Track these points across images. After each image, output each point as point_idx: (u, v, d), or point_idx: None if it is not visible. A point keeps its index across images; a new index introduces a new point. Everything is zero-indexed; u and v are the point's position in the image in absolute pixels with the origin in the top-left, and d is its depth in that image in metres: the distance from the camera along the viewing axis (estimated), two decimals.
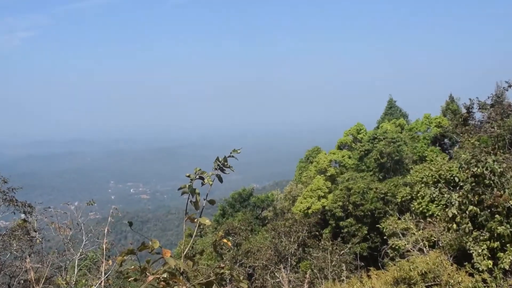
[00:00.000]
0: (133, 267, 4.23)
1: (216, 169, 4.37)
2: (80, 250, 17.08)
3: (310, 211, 45.57)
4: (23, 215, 19.67)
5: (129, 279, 4.15)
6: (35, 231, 19.60)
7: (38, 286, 20.06)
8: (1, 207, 18.15)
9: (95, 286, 17.19)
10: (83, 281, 19.67)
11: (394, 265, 19.84)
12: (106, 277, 17.77)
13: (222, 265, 4.24)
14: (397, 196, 38.24)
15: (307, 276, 16.21)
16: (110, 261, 16.60)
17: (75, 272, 16.35)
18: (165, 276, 3.96)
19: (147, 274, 4.07)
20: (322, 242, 32.05)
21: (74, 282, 16.83)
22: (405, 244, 23.13)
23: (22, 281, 19.43)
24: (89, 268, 21.00)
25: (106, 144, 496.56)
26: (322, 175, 49.20)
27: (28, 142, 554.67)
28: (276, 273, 27.91)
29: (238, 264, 31.52)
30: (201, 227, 33.08)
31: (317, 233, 37.89)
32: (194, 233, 4.61)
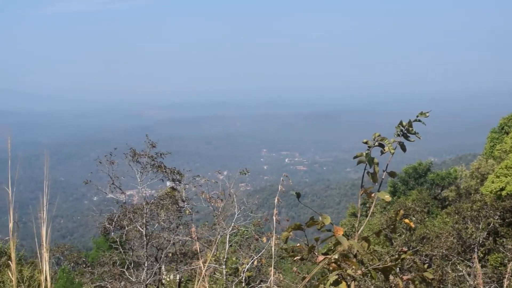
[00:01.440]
0: (298, 244, 4.35)
1: (398, 135, 4.28)
2: (232, 224, 17.93)
3: (504, 192, 43.01)
4: (170, 183, 21.05)
5: (295, 258, 4.28)
6: (183, 201, 20.91)
7: (185, 259, 21.62)
8: (149, 173, 19.52)
9: (247, 265, 18.07)
10: (234, 258, 20.70)
11: None
12: (260, 255, 18.59)
13: (404, 249, 4.19)
14: None
15: (508, 271, 15.38)
16: (264, 238, 17.30)
17: (226, 248, 17.30)
18: (336, 257, 4.03)
19: (315, 253, 4.16)
20: None
21: (224, 259, 17.83)
22: None
23: (170, 254, 20.98)
24: (240, 244, 22.04)
25: (256, 107, 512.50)
26: None
27: (171, 103, 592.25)
28: (458, 266, 26.99)
29: (411, 251, 30.98)
30: (367, 205, 32.89)
31: None
32: (371, 210, 4.60)
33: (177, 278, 13.75)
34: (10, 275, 2.50)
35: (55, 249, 30.36)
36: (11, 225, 2.46)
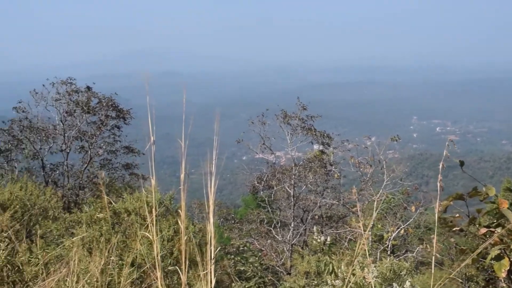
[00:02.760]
0: (457, 215, 4.20)
1: None
2: (380, 191, 17.68)
3: None
4: (318, 146, 21.13)
5: (453, 229, 4.13)
6: (331, 165, 20.95)
7: (329, 223, 21.76)
8: (299, 135, 19.72)
9: (393, 233, 17.82)
10: (379, 225, 20.46)
11: None
12: (407, 225, 18.25)
13: None
14: None
15: None
16: (413, 207, 16.93)
17: (373, 215, 17.09)
18: (499, 230, 3.84)
19: (477, 225, 3.99)
20: None
21: (371, 226, 17.65)
22: None
23: (316, 216, 21.21)
24: (386, 212, 21.76)
25: (409, 73, 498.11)
26: None
27: (325, 68, 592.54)
28: None
29: None
30: None
31: None
32: None
33: (327, 239, 13.83)
34: (179, 223, 2.64)
35: (206, 204, 31.81)
36: (182, 176, 2.59)
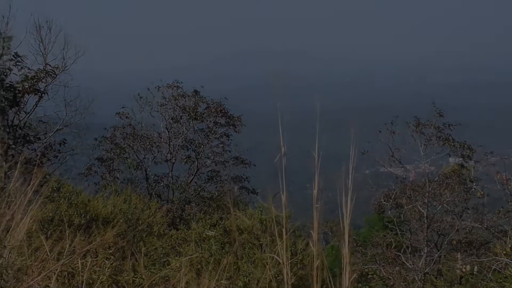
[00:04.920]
0: None
1: None
2: None
3: None
4: (455, 159, 20.43)
5: None
6: (472, 181, 20.17)
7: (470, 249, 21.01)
8: (434, 146, 19.12)
9: None
10: None
11: None
12: None
13: None
14: None
15: None
16: None
17: None
18: None
19: None
20: None
21: None
22: None
23: (453, 241, 20.49)
24: None
25: None
26: None
27: (461, 65, 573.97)
28: None
29: None
30: None
31: None
32: None
33: (474, 269, 13.36)
34: (312, 246, 2.65)
35: (324, 224, 31.61)
36: (315, 191, 2.60)
